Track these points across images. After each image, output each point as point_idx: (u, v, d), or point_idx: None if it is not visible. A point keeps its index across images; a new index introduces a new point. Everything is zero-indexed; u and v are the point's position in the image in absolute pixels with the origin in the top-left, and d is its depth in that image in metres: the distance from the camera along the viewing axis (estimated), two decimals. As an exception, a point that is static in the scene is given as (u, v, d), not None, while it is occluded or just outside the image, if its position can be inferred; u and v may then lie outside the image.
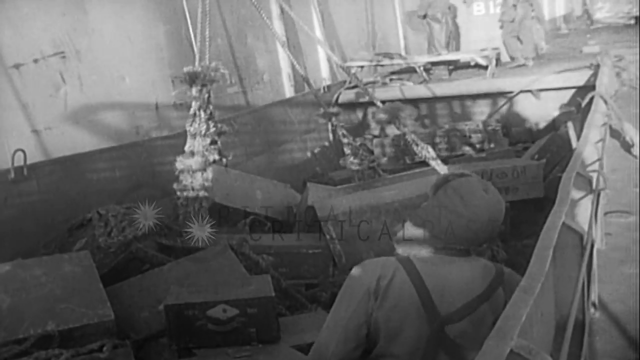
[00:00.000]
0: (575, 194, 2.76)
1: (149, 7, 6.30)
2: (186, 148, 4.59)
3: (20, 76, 4.91)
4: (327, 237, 4.29)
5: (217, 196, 4.69)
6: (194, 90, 4.56)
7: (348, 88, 8.64)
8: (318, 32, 9.17)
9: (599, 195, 3.47)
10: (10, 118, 4.80)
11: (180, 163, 4.52)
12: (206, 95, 4.69)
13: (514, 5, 10.05)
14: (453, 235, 2.09)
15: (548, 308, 1.89)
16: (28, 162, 4.41)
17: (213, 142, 4.79)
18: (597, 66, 7.46)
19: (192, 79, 4.53)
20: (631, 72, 7.55)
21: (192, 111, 4.59)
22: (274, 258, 3.94)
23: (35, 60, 5.04)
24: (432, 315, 1.99)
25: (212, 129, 4.73)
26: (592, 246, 2.88)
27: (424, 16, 10.43)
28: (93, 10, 5.61)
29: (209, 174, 4.62)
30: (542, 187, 5.66)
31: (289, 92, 8.47)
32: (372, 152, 7.25)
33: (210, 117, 4.72)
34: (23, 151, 4.37)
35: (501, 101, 8.38)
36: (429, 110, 8.74)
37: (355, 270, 2.10)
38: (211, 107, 4.73)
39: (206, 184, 4.54)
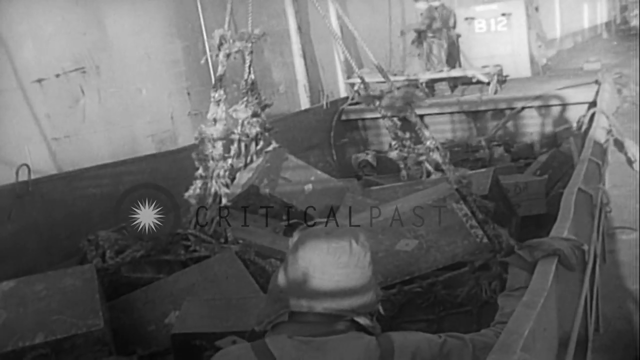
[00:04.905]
0: (577, 210, 2.76)
1: (166, 24, 6.62)
2: (209, 116, 4.37)
3: (42, 89, 5.22)
4: None
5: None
6: (221, 55, 4.41)
7: (351, 104, 8.64)
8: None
9: (601, 211, 3.48)
10: (32, 127, 5.11)
11: (201, 132, 4.29)
12: (247, 64, 4.55)
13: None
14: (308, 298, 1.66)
15: (551, 324, 1.89)
16: (49, 165, 4.48)
17: (255, 115, 4.66)
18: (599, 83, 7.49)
19: (220, 42, 4.39)
20: (631, 89, 7.58)
21: (217, 76, 4.41)
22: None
23: (57, 75, 5.36)
24: None
25: (255, 101, 4.62)
26: (595, 262, 2.88)
27: (424, 31, 10.33)
28: (112, 28, 5.96)
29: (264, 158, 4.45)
30: (544, 204, 5.65)
31: (304, 103, 8.71)
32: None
33: (253, 88, 4.62)
34: (27, 166, 4.40)
35: (503, 117, 8.39)
36: (431, 126, 8.74)
37: None
38: (252, 76, 4.60)
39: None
